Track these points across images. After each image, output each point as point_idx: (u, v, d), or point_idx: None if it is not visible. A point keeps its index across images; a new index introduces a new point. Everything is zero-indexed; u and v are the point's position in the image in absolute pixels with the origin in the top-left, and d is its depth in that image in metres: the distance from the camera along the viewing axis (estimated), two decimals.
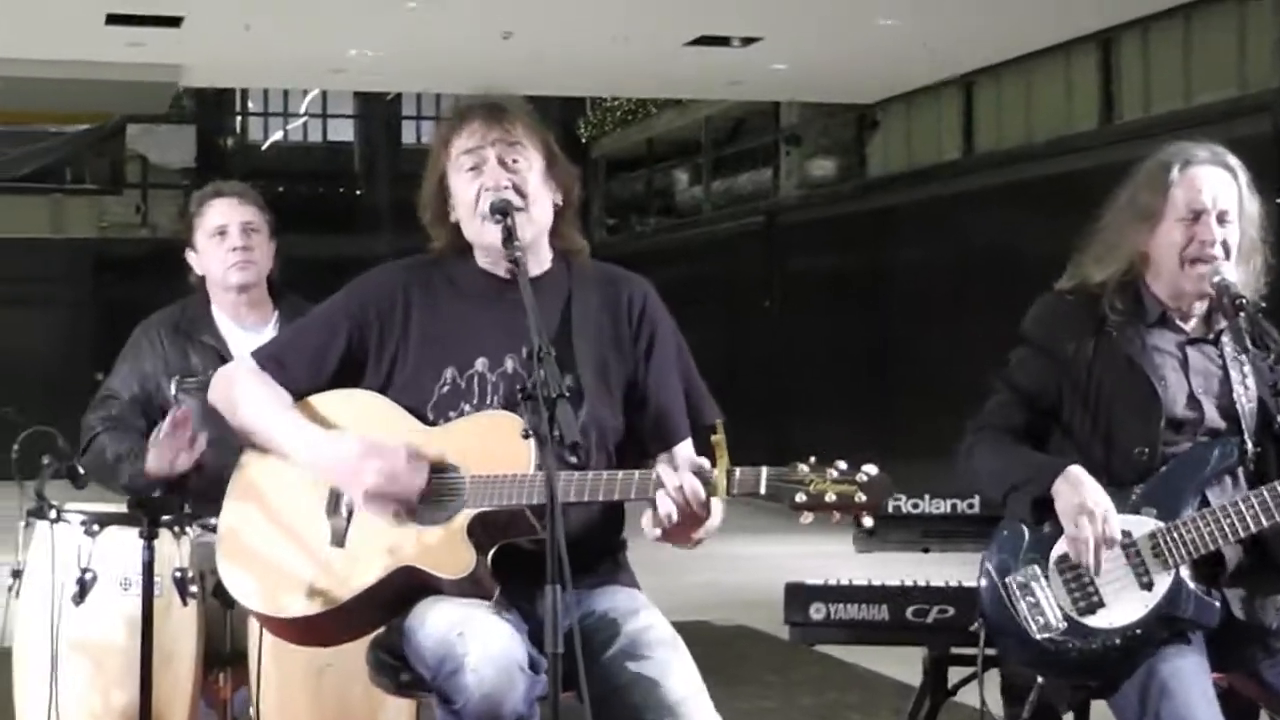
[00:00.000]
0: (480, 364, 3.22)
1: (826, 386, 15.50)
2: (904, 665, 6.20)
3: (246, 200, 4.46)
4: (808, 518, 2.95)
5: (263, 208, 4.48)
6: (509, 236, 3.14)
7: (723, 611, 8.34)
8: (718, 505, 3.04)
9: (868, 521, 2.96)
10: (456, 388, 3.22)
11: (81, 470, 4.06)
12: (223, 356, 4.21)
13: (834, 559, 8.01)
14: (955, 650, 4.17)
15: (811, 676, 7.04)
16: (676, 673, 3.09)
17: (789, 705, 6.57)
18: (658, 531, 3.03)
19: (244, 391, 3.30)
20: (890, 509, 4.36)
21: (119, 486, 4.17)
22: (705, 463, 3.01)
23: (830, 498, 2.93)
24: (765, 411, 15.54)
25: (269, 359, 3.34)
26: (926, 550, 4.40)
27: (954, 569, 4.17)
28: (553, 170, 3.29)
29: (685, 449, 3.27)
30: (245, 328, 4.40)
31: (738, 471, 2.97)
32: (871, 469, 2.95)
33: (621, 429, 3.26)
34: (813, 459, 2.96)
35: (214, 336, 4.38)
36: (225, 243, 4.39)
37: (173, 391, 4.26)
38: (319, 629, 3.24)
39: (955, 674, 4.26)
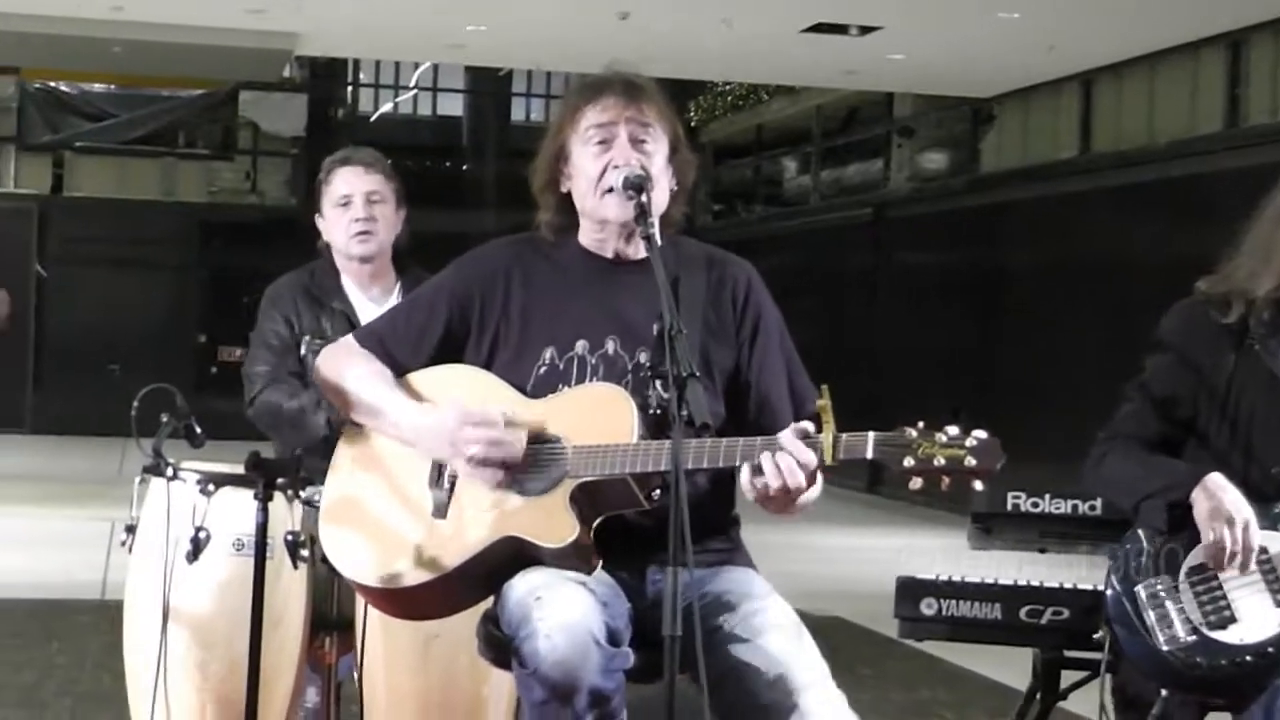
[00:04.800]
0: (580, 346, 3.19)
1: (932, 383, 15.33)
2: (998, 665, 6.12)
3: (373, 169, 4.43)
4: (916, 483, 2.88)
5: (390, 176, 4.46)
6: (642, 212, 3.11)
7: (819, 602, 8.25)
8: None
9: (978, 486, 2.88)
10: (555, 369, 3.19)
11: (251, 416, 4.27)
12: (352, 322, 4.23)
13: (929, 555, 7.96)
14: (1067, 654, 4.08)
15: (905, 672, 6.98)
16: (796, 656, 3.02)
17: (881, 699, 6.50)
18: (755, 492, 2.97)
19: (348, 368, 3.30)
20: (1009, 507, 4.27)
21: (302, 438, 4.16)
22: (811, 427, 2.94)
23: (939, 461, 2.86)
24: (868, 407, 15.34)
25: (370, 337, 3.35)
26: (1043, 550, 4.30)
27: (1069, 570, 4.09)
28: (674, 157, 3.26)
29: None
30: (370, 297, 4.41)
31: (845, 437, 2.90)
32: (981, 433, 2.88)
33: (723, 414, 3.20)
34: (920, 424, 2.89)
35: (343, 302, 4.39)
36: (348, 212, 4.39)
37: (304, 351, 4.27)
38: (421, 601, 3.23)
39: (1065, 678, 4.17)
